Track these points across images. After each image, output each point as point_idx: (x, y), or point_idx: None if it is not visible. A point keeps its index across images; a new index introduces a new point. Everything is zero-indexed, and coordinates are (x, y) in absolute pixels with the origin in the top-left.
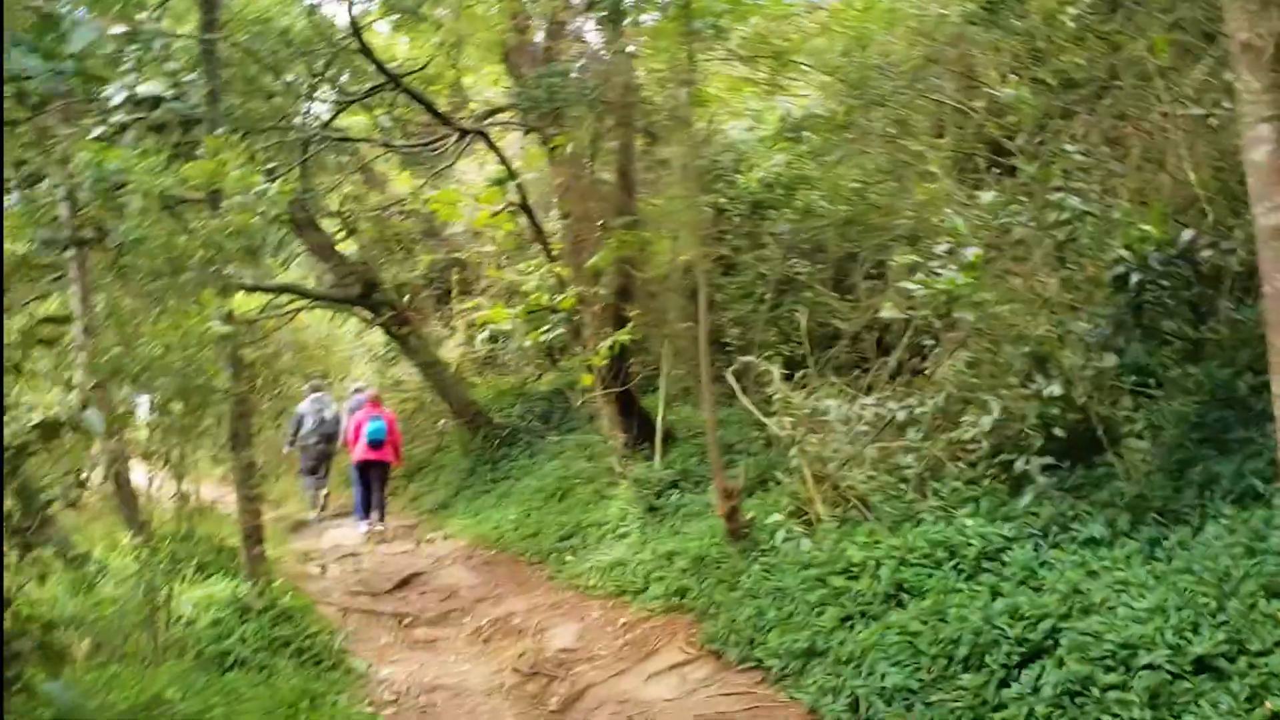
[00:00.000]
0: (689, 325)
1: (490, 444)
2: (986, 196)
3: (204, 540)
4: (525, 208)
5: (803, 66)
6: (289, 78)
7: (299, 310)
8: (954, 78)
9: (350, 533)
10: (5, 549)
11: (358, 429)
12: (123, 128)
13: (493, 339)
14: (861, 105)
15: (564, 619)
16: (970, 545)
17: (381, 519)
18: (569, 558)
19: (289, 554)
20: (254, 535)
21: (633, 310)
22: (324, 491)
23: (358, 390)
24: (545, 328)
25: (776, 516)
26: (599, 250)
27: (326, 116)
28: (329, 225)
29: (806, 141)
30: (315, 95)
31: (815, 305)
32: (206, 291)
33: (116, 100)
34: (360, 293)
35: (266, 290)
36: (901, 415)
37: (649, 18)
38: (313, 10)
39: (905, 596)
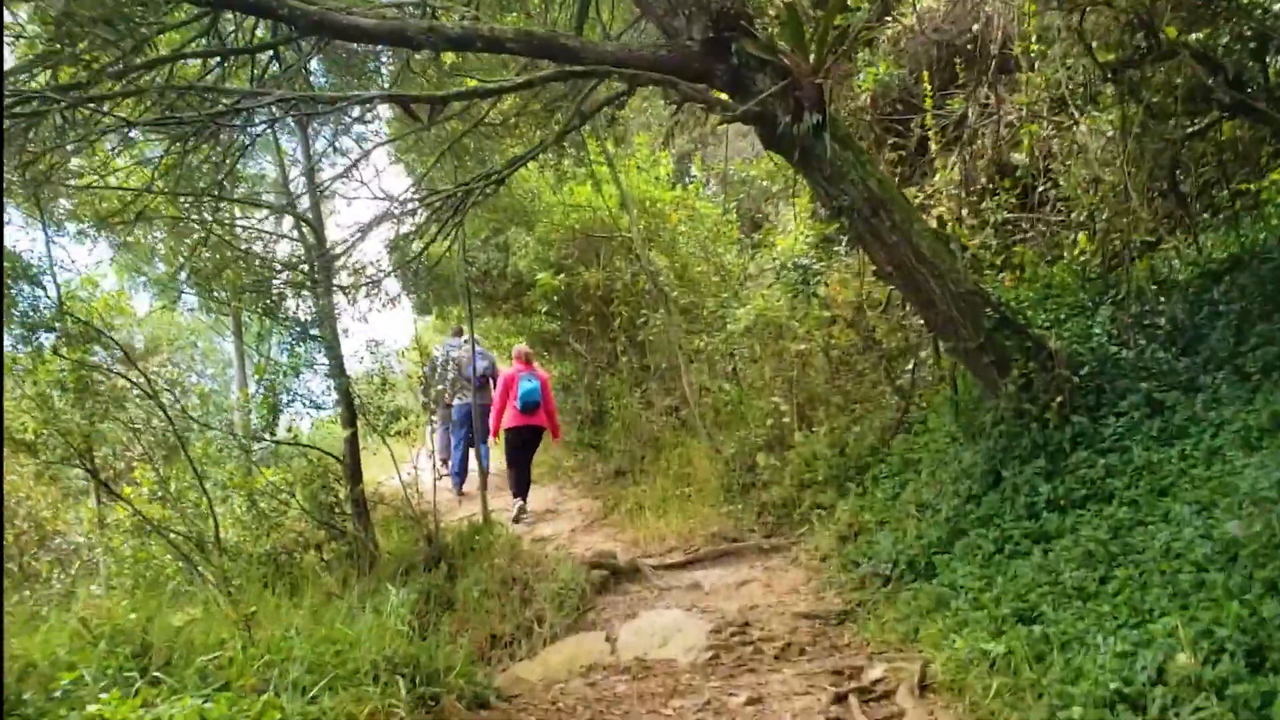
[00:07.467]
0: None
1: (1036, 407)
2: None
3: None
4: None
5: None
6: None
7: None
8: None
9: (679, 621)
10: None
11: (508, 389)
12: None
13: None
14: None
15: None
16: None
17: (524, 496)
18: None
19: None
20: None
21: None
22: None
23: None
24: None
25: None
26: None
27: None
28: None
29: None
30: None
31: None
32: None
33: None
34: (703, 43)
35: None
36: None
37: None
38: None
39: None
